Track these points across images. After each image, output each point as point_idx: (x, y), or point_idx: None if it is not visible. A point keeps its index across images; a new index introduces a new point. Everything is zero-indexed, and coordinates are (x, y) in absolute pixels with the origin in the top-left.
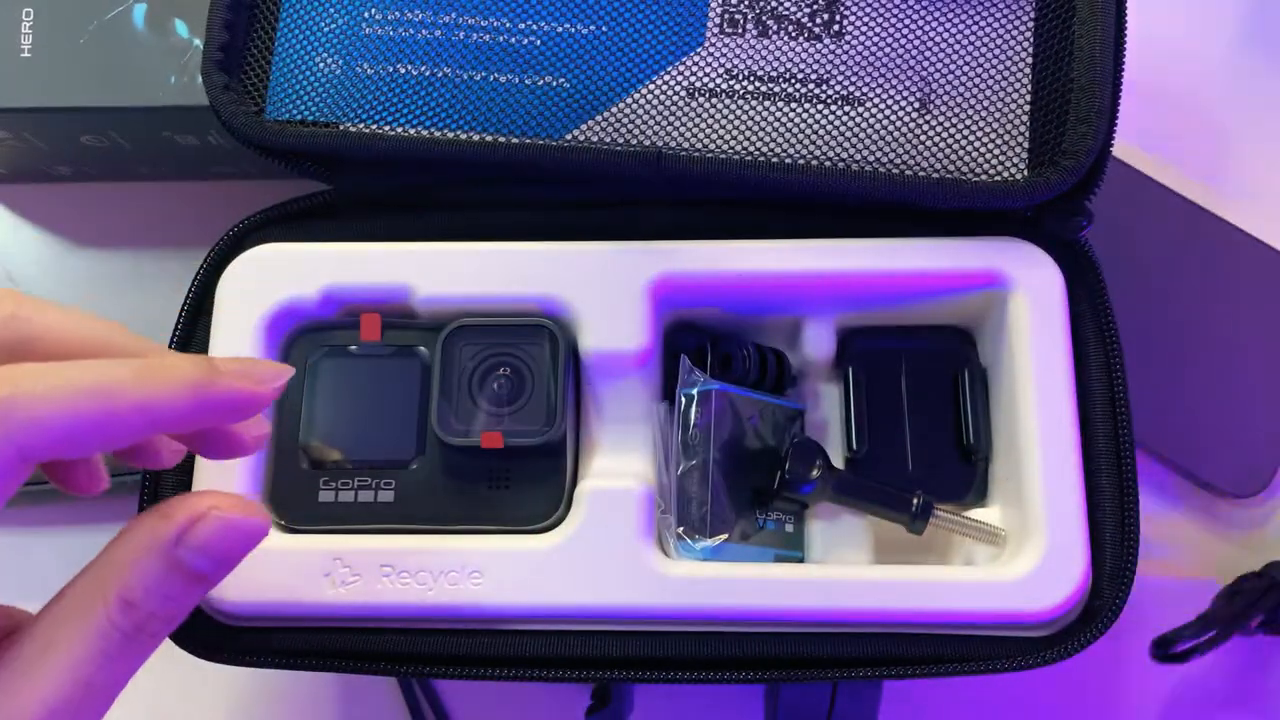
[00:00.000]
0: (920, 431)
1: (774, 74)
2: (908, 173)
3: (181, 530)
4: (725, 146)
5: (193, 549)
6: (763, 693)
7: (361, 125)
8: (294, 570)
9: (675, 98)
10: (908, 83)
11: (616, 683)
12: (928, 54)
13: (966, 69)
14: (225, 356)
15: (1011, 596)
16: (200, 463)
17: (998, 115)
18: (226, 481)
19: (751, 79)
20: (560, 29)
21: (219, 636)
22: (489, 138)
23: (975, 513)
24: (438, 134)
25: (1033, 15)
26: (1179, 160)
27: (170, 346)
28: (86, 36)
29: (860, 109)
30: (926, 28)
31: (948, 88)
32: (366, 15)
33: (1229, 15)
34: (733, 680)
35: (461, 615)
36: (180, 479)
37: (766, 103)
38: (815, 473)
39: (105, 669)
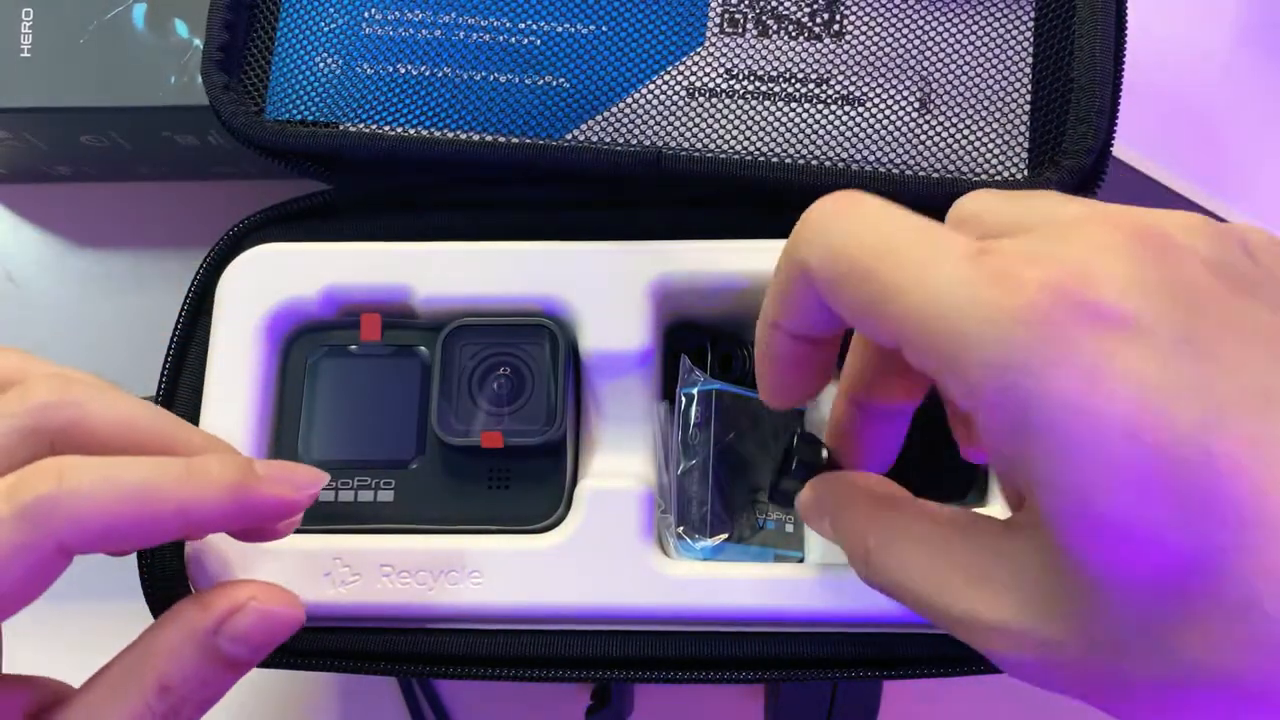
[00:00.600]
0: (920, 431)
1: (774, 74)
2: (908, 172)
3: (220, 620)
4: (725, 146)
5: (231, 639)
6: (763, 693)
7: (361, 125)
8: (294, 570)
9: (675, 97)
10: (908, 82)
11: (616, 683)
12: (928, 54)
13: (967, 69)
14: (266, 461)
15: None
16: None
17: (998, 115)
18: None
19: (752, 79)
20: (560, 29)
21: None
22: (489, 137)
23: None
24: (438, 134)
25: (1033, 15)
26: (1179, 161)
27: (170, 346)
28: (86, 36)
29: (860, 109)
30: (926, 27)
31: (948, 87)
32: (366, 15)
33: (1230, 15)
34: (733, 680)
35: (461, 615)
36: None
37: (767, 102)
38: (825, 454)
39: None
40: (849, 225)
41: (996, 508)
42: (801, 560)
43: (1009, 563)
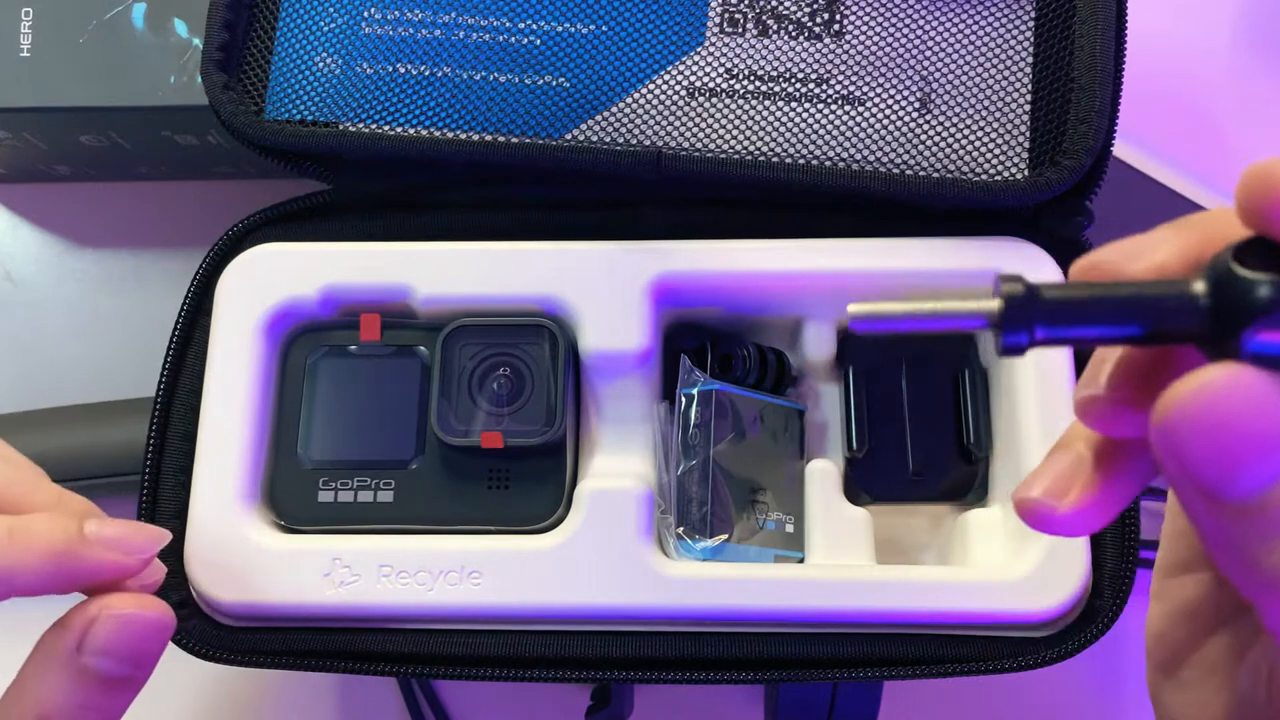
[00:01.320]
0: (920, 431)
1: (774, 73)
2: (908, 172)
3: (79, 637)
4: (725, 146)
5: (96, 653)
6: (763, 693)
7: (361, 125)
8: (293, 570)
9: (675, 97)
10: (908, 82)
11: (616, 683)
12: (928, 53)
13: (967, 68)
14: (102, 521)
15: (1012, 597)
16: (199, 466)
17: (998, 115)
18: (224, 482)
19: (752, 78)
20: (560, 28)
21: (219, 636)
22: (489, 137)
23: (975, 513)
24: (437, 134)
25: (1033, 15)
26: (1180, 160)
27: (170, 346)
28: (86, 36)
29: (860, 108)
30: (927, 27)
31: (948, 87)
32: (366, 15)
33: (1231, 14)
34: (733, 680)
35: (461, 615)
36: (180, 479)
37: (767, 102)
38: None
39: None
40: None
41: (997, 509)
42: (801, 561)
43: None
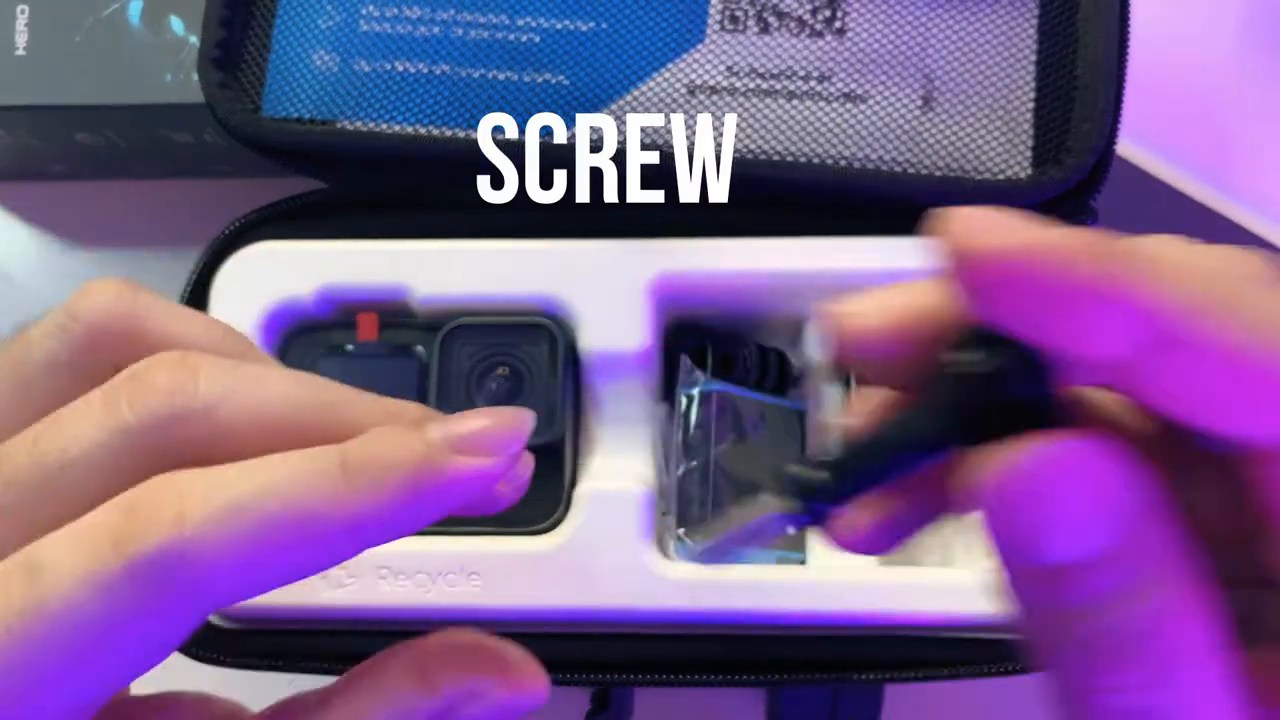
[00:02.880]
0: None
1: (775, 71)
2: (910, 170)
3: (444, 708)
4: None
5: None
6: (763, 698)
7: (359, 123)
8: None
9: (675, 94)
10: (911, 80)
11: (616, 686)
12: (931, 51)
13: (970, 66)
14: (444, 418)
15: None
16: None
17: (1002, 112)
18: None
19: (753, 76)
20: (559, 25)
21: (216, 639)
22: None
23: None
24: (436, 131)
25: (1036, 12)
26: (1184, 160)
27: None
28: (82, 34)
29: (863, 106)
30: (929, 24)
31: (951, 85)
32: (363, 12)
33: (1236, 13)
34: (734, 683)
35: (460, 617)
36: None
37: (768, 100)
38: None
39: None
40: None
41: None
42: (803, 562)
43: None
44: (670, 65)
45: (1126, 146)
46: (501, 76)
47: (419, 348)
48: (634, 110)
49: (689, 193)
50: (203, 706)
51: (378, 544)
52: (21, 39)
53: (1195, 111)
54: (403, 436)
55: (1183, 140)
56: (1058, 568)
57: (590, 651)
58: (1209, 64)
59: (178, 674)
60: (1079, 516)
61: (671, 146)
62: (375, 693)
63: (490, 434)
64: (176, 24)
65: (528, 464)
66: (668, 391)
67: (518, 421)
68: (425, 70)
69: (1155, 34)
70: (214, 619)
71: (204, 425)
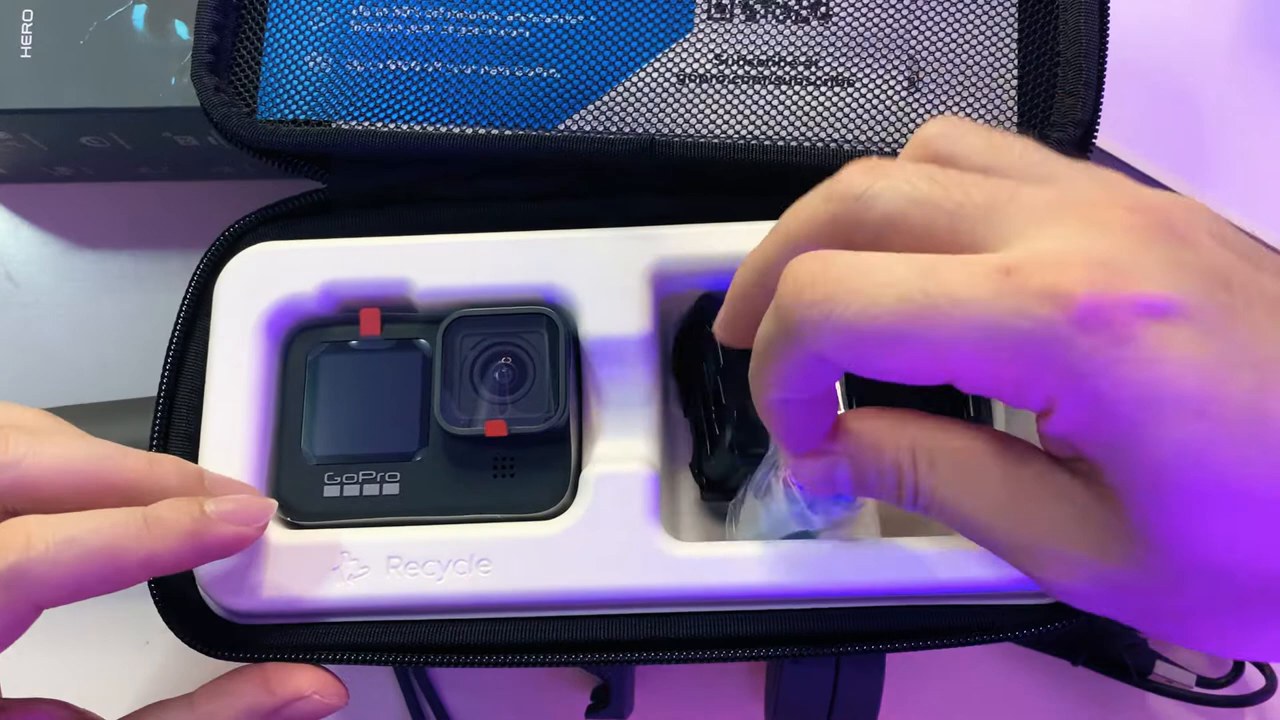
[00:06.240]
0: (922, 408)
1: (763, 57)
2: (899, 150)
3: (280, 704)
4: (718, 131)
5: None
6: (764, 686)
7: (354, 122)
8: (302, 566)
9: (666, 84)
10: (896, 62)
11: (628, 664)
12: (915, 33)
13: (954, 46)
14: (219, 499)
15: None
16: (204, 465)
17: (986, 91)
18: (232, 477)
19: (741, 63)
20: (549, 19)
21: (228, 634)
22: (482, 131)
23: None
24: (430, 129)
25: None
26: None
27: (169, 346)
28: (86, 37)
29: (850, 89)
30: (912, 6)
31: (936, 65)
32: (355, 12)
33: (1220, 5)
34: (743, 658)
35: (471, 604)
36: None
37: (757, 86)
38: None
39: None
40: (849, 298)
41: None
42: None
43: (1070, 502)
44: (659, 56)
45: (1109, 139)
46: (494, 72)
47: (422, 341)
48: (625, 101)
49: (683, 179)
50: (62, 711)
51: (166, 574)
52: (26, 43)
53: (1178, 104)
54: (188, 505)
55: (1164, 132)
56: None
57: (601, 632)
58: (1192, 57)
59: (187, 669)
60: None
61: (665, 135)
62: (228, 695)
63: (245, 513)
64: (180, 28)
65: (269, 511)
66: (667, 372)
67: (265, 507)
68: (418, 68)
69: (1139, 26)
70: (228, 616)
71: (16, 474)
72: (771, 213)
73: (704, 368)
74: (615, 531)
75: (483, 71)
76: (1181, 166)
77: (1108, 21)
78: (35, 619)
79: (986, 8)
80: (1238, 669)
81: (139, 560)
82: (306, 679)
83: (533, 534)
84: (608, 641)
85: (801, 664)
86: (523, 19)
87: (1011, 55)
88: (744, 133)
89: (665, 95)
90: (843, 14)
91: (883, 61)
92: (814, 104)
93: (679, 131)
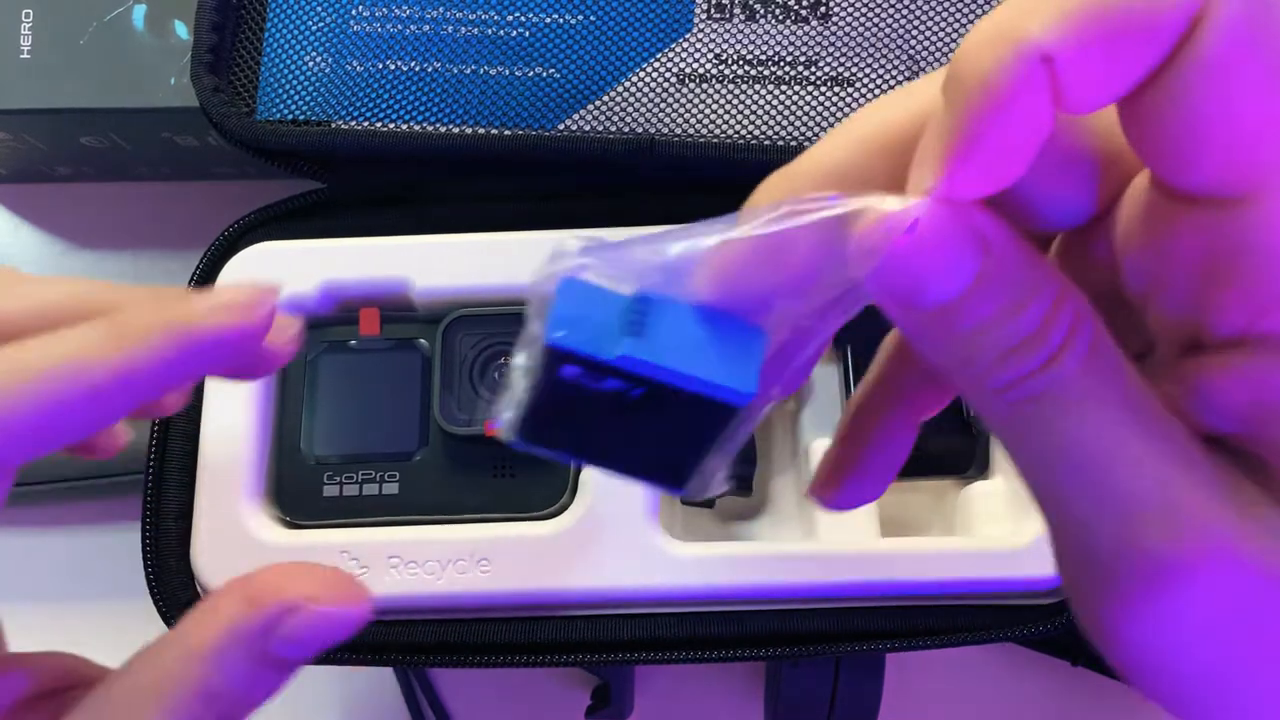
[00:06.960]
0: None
1: (763, 57)
2: None
3: (269, 622)
4: (718, 131)
5: (286, 642)
6: (763, 688)
7: (353, 122)
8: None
9: (665, 84)
10: (896, 62)
11: (628, 664)
12: (915, 33)
13: (954, 46)
14: (204, 292)
15: (1015, 565)
16: (204, 465)
17: None
18: (228, 480)
19: (740, 63)
20: (548, 19)
21: None
22: (481, 130)
23: (978, 485)
24: (430, 128)
25: None
26: None
27: None
28: (86, 38)
29: (850, 89)
30: (912, 6)
31: (936, 64)
32: (354, 12)
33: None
34: (742, 658)
35: (471, 604)
36: (183, 479)
37: (757, 86)
38: None
39: None
40: None
41: (999, 480)
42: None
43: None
44: (659, 55)
45: None
46: (493, 72)
47: (421, 340)
48: (625, 101)
49: (683, 179)
50: (65, 660)
51: (149, 397)
52: (26, 43)
53: None
54: (167, 302)
55: None
56: (945, 306)
57: (601, 632)
58: None
59: None
60: (942, 257)
61: (665, 135)
62: (211, 615)
63: (242, 298)
64: (180, 28)
65: (287, 328)
66: None
67: (264, 289)
68: (417, 68)
69: None
70: None
71: None
72: None
73: None
74: (615, 531)
75: (482, 71)
76: None
77: None
78: (8, 485)
79: (986, 8)
80: None
81: (112, 372)
82: (301, 582)
83: (532, 534)
84: (608, 641)
85: (801, 664)
86: (522, 19)
87: None
88: (744, 133)
89: (665, 95)
90: (843, 14)
91: (883, 61)
92: (814, 104)
93: (679, 131)
